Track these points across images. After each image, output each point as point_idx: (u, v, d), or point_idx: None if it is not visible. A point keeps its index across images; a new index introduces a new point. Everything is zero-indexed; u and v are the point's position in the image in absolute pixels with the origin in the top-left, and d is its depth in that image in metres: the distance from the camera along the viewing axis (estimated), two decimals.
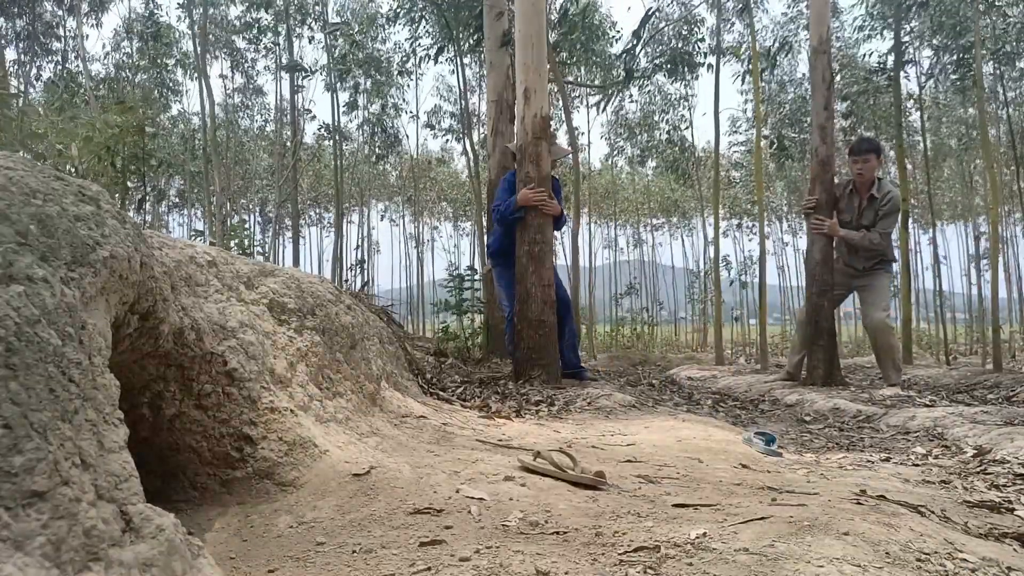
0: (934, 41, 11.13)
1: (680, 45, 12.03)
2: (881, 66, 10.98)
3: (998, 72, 11.97)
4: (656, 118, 18.85)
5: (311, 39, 16.53)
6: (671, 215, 30.06)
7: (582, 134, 19.81)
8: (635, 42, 9.84)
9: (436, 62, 11.73)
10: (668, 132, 18.42)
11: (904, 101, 11.09)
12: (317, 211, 28.08)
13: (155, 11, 16.12)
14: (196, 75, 15.11)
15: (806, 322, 5.16)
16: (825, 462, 2.38)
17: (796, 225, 27.22)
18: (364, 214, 27.40)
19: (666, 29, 12.19)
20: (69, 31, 16.47)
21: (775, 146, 11.77)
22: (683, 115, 18.79)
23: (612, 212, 28.75)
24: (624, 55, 10.16)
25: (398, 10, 12.25)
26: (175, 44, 16.86)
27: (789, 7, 15.76)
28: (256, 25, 15.61)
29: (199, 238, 10.50)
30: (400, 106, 18.67)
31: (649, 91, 18.31)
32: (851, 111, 12.97)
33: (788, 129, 15.42)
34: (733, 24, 14.29)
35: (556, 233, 4.70)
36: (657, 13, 11.59)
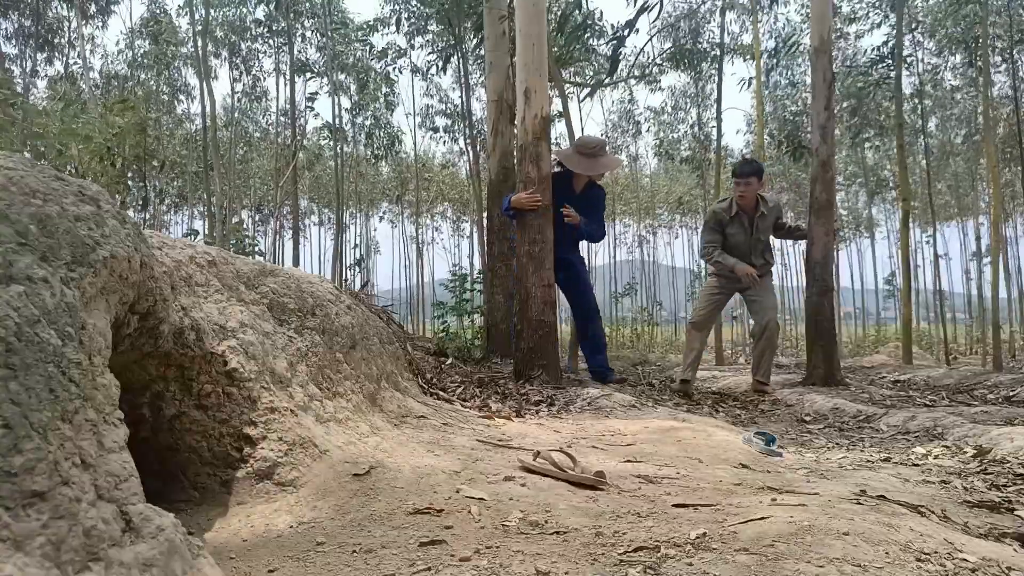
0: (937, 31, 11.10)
1: (685, 42, 12.02)
2: (880, 58, 10.96)
3: (1008, 65, 11.92)
4: (681, 115, 18.95)
5: (304, 36, 16.53)
6: (675, 214, 30.10)
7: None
8: (627, 32, 9.81)
9: (444, 71, 11.68)
10: (693, 127, 18.49)
11: (904, 96, 11.07)
12: (321, 212, 28.10)
13: (158, 12, 16.12)
14: (199, 75, 15.10)
15: (805, 322, 5.22)
16: (825, 462, 2.38)
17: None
18: (365, 214, 27.43)
19: (672, 24, 12.15)
20: (72, 31, 16.48)
21: (783, 146, 11.72)
22: (711, 114, 18.89)
23: (610, 213, 28.78)
24: (612, 41, 10.13)
25: (399, 16, 12.23)
26: (179, 45, 16.85)
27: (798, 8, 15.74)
28: (263, 24, 15.61)
29: (193, 236, 10.49)
30: (392, 104, 18.64)
31: (668, 88, 18.47)
32: (855, 109, 12.94)
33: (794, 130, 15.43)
34: (740, 23, 14.29)
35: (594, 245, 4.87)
36: (659, 10, 11.54)
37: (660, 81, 16.69)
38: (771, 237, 5.19)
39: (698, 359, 5.04)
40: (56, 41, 16.41)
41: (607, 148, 4.68)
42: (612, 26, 12.07)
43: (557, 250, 4.46)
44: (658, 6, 10.16)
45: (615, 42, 10.05)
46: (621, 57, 10.25)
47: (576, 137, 5.91)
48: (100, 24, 16.52)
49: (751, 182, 4.79)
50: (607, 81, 11.41)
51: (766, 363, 4.91)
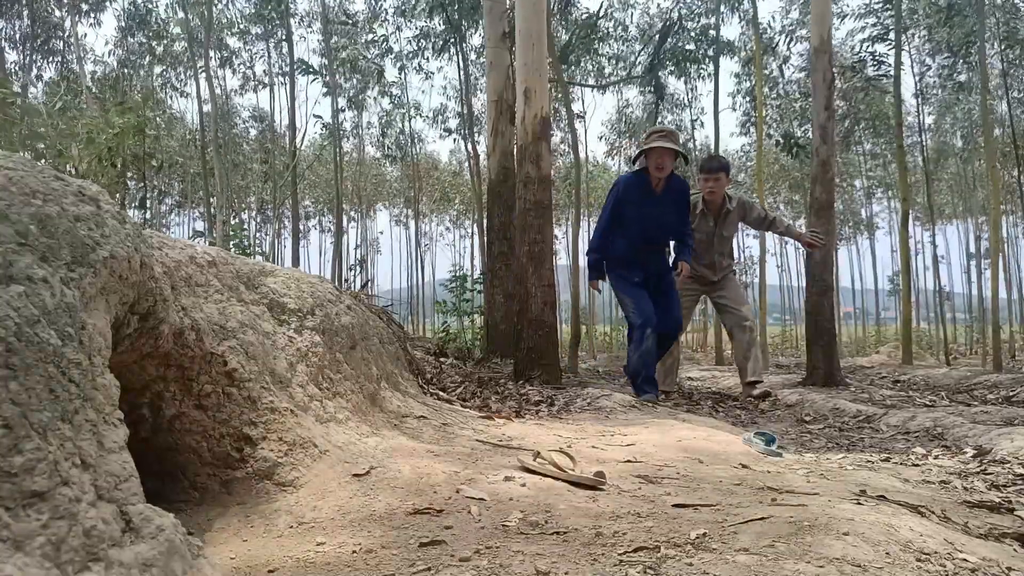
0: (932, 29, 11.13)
1: (685, 44, 12.06)
2: (873, 56, 10.97)
3: (1004, 66, 11.92)
4: (662, 119, 18.98)
5: (303, 38, 16.57)
6: None
7: (585, 142, 19.92)
8: (657, 60, 9.94)
9: (439, 55, 11.75)
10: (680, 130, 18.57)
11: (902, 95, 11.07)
12: (322, 215, 28.12)
13: (152, 8, 16.13)
14: (194, 75, 15.10)
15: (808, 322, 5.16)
16: (825, 462, 2.38)
17: (799, 225, 27.28)
18: (365, 214, 27.46)
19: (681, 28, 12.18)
20: (66, 31, 16.48)
21: (780, 145, 11.73)
22: (694, 116, 18.94)
23: None
24: (647, 74, 10.25)
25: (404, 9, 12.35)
26: (173, 42, 16.86)
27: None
28: (256, 22, 15.62)
29: (199, 239, 10.50)
30: (404, 104, 18.64)
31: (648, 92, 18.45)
32: (849, 112, 12.98)
33: (793, 128, 15.45)
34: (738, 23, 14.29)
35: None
36: (678, 25, 11.55)
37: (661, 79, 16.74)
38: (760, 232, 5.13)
39: (676, 365, 4.85)
40: (51, 44, 16.41)
41: (679, 138, 4.27)
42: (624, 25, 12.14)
43: (647, 264, 4.20)
44: (677, 23, 10.25)
45: (651, 73, 10.15)
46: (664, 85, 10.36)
47: (578, 141, 5.88)
48: (93, 21, 16.51)
49: (719, 178, 4.64)
50: (657, 104, 11.50)
51: (757, 363, 4.74)
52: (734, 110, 18.01)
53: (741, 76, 16.44)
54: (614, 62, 14.37)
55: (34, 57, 16.41)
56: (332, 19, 15.58)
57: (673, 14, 11.30)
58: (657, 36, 10.52)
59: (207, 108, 13.51)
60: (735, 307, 4.80)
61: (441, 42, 11.78)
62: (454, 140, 19.78)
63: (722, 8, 12.37)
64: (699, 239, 4.80)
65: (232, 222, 15.27)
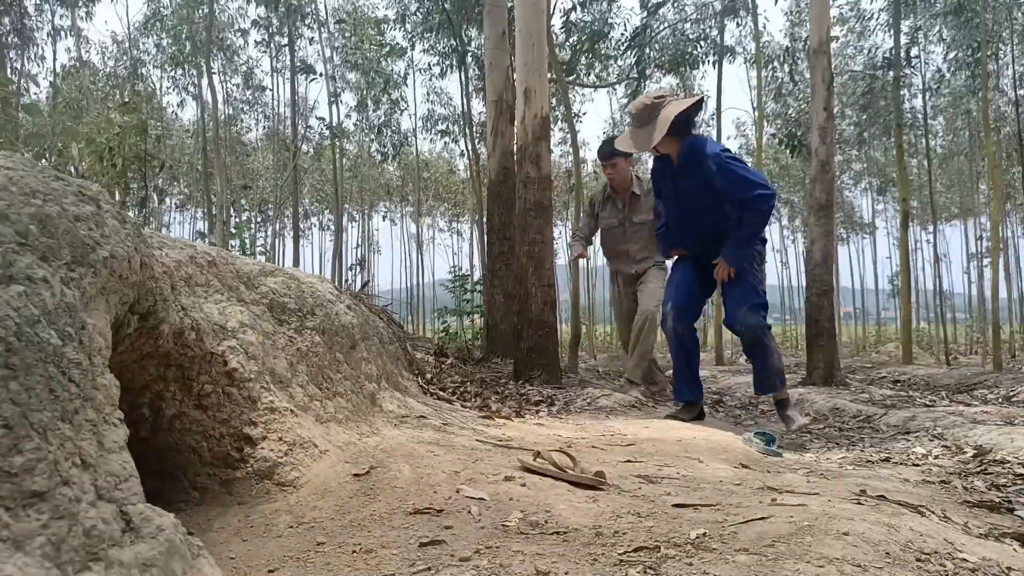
0: (942, 33, 11.13)
1: (683, 46, 12.07)
2: (887, 61, 10.97)
3: (1007, 66, 11.93)
4: None
5: (311, 40, 16.56)
6: None
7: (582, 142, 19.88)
8: (637, 51, 9.99)
9: (461, 67, 11.74)
10: None
11: (905, 95, 11.08)
12: (322, 215, 28.14)
13: (159, 8, 16.14)
14: (197, 75, 15.11)
15: (810, 320, 5.15)
16: (825, 462, 2.38)
17: (798, 225, 27.29)
18: (365, 214, 27.48)
19: (668, 29, 12.20)
20: (60, 28, 16.47)
21: (784, 144, 11.74)
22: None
23: None
24: (632, 48, 10.27)
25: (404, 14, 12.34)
26: (179, 43, 16.86)
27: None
28: (264, 24, 15.64)
29: (200, 240, 10.50)
30: (403, 106, 18.63)
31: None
32: (865, 106, 12.98)
33: (795, 128, 15.46)
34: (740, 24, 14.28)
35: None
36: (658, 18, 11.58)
37: (660, 82, 16.72)
38: None
39: (651, 364, 4.45)
40: (40, 40, 16.42)
41: (663, 102, 3.10)
42: (624, 26, 12.16)
43: (698, 253, 3.37)
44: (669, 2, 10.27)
45: (636, 50, 10.18)
46: (643, 60, 10.38)
47: (578, 140, 5.79)
48: (85, 15, 16.49)
49: (616, 163, 4.42)
50: (636, 86, 11.51)
51: (636, 358, 4.37)
52: (753, 106, 17.92)
53: (749, 65, 16.47)
54: (609, 62, 14.39)
55: (25, 55, 16.39)
56: (341, 20, 15.62)
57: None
58: (635, 31, 10.57)
59: (208, 108, 13.53)
60: (641, 301, 4.38)
61: (458, 57, 11.71)
62: (454, 140, 19.68)
63: (714, 9, 12.40)
64: (609, 226, 4.61)
65: (236, 221, 15.27)
